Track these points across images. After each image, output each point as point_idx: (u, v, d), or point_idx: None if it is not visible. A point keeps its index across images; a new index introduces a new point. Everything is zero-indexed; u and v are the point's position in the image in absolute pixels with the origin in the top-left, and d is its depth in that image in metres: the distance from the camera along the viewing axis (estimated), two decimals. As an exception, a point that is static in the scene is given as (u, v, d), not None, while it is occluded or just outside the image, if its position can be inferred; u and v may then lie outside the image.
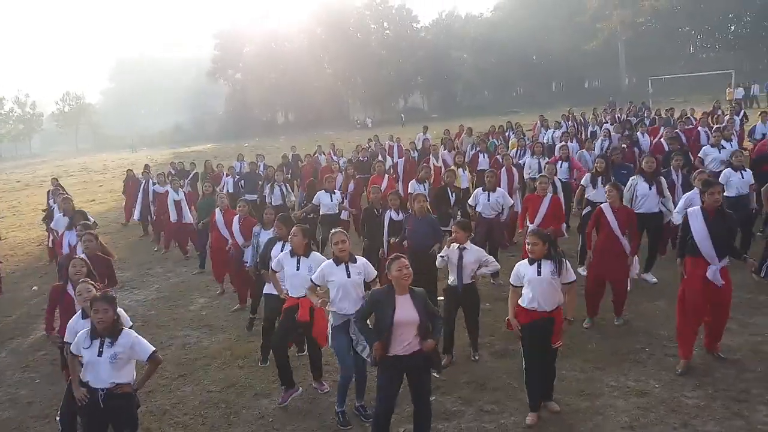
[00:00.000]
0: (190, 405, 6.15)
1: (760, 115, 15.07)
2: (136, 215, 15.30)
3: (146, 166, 17.69)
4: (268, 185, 12.42)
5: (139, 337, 4.59)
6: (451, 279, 6.37)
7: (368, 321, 4.86)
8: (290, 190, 12.79)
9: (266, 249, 6.78)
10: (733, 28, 65.57)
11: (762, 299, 7.40)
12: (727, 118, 15.39)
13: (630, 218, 7.13)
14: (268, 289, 6.70)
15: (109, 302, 4.43)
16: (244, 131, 61.71)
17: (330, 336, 5.53)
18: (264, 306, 6.92)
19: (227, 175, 15.61)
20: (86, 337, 4.45)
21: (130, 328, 4.90)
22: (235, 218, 8.66)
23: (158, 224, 13.86)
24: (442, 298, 7.93)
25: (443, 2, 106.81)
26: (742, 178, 8.70)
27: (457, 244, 6.30)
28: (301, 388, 6.06)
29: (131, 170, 17.73)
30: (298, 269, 5.82)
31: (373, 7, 70.50)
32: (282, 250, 6.21)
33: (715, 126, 13.41)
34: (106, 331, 4.41)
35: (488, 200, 8.93)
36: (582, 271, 8.21)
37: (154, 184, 14.14)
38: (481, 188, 9.20)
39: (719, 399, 5.30)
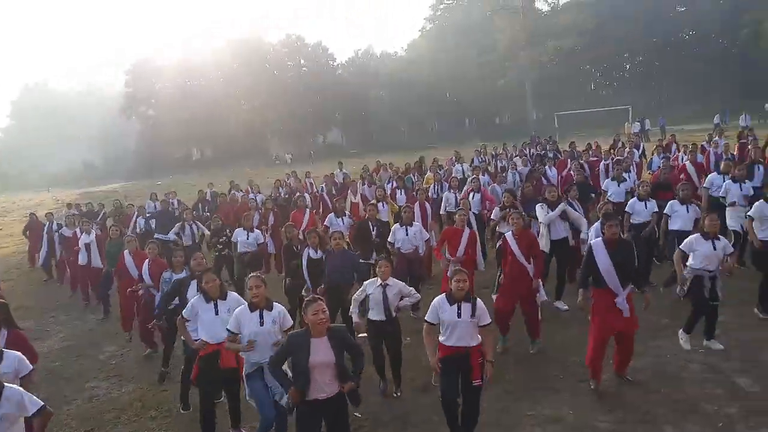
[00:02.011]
0: (97, 463, 5.78)
1: (655, 148, 16.20)
2: (40, 261, 14.49)
3: (49, 213, 16.68)
4: (179, 225, 12.08)
5: (25, 393, 4.19)
6: (374, 316, 6.37)
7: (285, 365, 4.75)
8: (201, 226, 12.43)
9: (170, 293, 6.54)
10: (628, 66, 70.70)
11: (664, 322, 7.83)
12: (627, 150, 16.41)
13: (531, 243, 7.43)
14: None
15: None
16: (158, 169, 59.82)
17: (245, 385, 5.38)
18: (184, 349, 6.65)
19: (138, 215, 15.03)
20: None
21: (29, 373, 4.59)
22: (126, 254, 8.36)
23: (63, 266, 13.11)
24: (364, 334, 7.97)
25: (358, 41, 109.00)
26: (645, 208, 9.27)
27: (380, 281, 6.32)
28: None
29: (34, 214, 16.74)
30: (216, 313, 5.63)
31: (289, 44, 70.81)
32: (197, 292, 5.99)
33: (615, 158, 14.25)
34: None
35: (406, 235, 9.05)
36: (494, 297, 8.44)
37: (60, 227, 13.43)
38: (398, 224, 9.30)
39: (628, 422, 5.54)
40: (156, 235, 12.43)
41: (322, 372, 4.44)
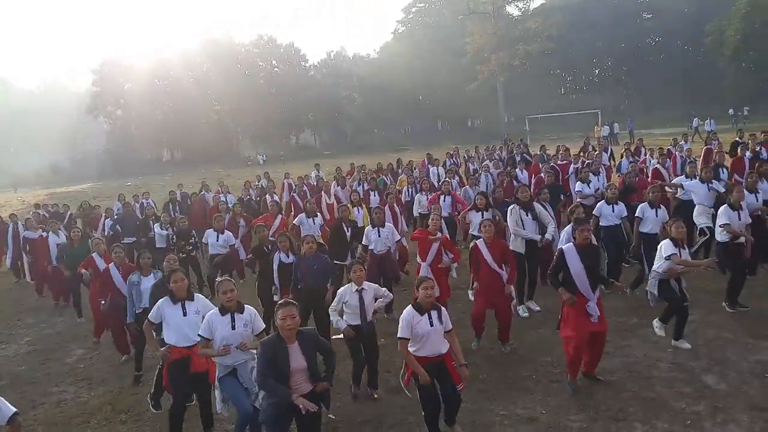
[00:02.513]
0: (65, 469, 5.65)
1: (623, 152, 16.49)
2: (8, 263, 14.18)
3: (12, 215, 16.22)
4: (156, 225, 11.95)
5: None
6: (352, 320, 6.36)
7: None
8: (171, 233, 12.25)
9: (154, 299, 6.39)
10: (597, 71, 72.04)
11: (633, 322, 7.97)
12: (596, 153, 16.68)
13: (504, 251, 7.49)
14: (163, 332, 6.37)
15: None
16: (127, 169, 58.79)
17: (218, 390, 5.32)
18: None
19: (106, 217, 14.76)
20: None
21: None
22: (112, 267, 8.07)
23: (36, 271, 12.79)
24: (339, 336, 7.94)
25: (331, 42, 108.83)
26: (613, 211, 9.42)
27: (356, 287, 6.31)
28: None
29: (-3, 214, 16.32)
30: (185, 314, 5.56)
31: (261, 45, 70.41)
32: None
33: (584, 161, 14.46)
34: None
35: (379, 236, 9.05)
36: (471, 296, 8.50)
37: (24, 229, 13.15)
38: (370, 226, 9.29)
39: (600, 420, 5.61)
40: (124, 240, 12.28)
41: (297, 376, 4.48)
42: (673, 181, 11.06)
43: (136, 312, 7.11)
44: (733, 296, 8.01)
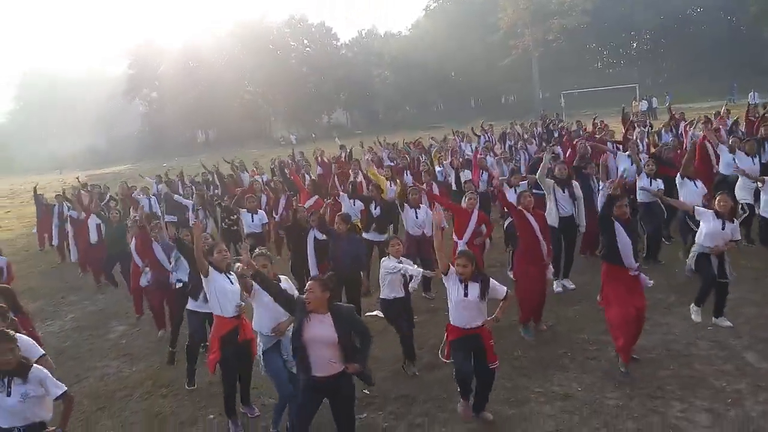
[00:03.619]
0: (110, 440, 5.85)
1: (663, 126, 16.06)
2: (54, 241, 14.62)
3: (58, 195, 16.60)
4: (191, 205, 12.16)
5: (49, 374, 4.31)
6: (390, 294, 6.38)
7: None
8: (209, 214, 12.41)
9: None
10: (635, 44, 69.92)
11: (672, 300, 7.82)
12: (637, 131, 16.26)
13: (545, 221, 7.39)
14: (192, 305, 6.51)
15: (10, 341, 4.16)
16: (162, 151, 59.78)
17: (262, 361, 5.40)
18: (188, 324, 6.71)
19: (144, 196, 15.06)
20: None
21: (42, 357, 4.66)
22: (154, 243, 8.31)
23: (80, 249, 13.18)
24: (373, 313, 8.01)
25: (362, 21, 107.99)
26: (651, 185, 9.21)
27: (395, 260, 6.33)
28: (257, 409, 5.90)
29: (42, 195, 16.71)
30: (232, 283, 5.65)
31: (292, 25, 70.24)
32: None
33: (629, 138, 14.06)
34: (13, 372, 4.13)
35: (416, 217, 8.92)
36: (510, 274, 8.40)
37: (69, 209, 13.52)
38: (407, 205, 9.15)
39: (637, 397, 5.55)
40: (166, 218, 12.50)
41: (320, 348, 4.39)
42: (718, 148, 10.68)
43: (175, 286, 7.45)
44: None
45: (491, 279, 5.36)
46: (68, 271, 13.60)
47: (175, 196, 13.37)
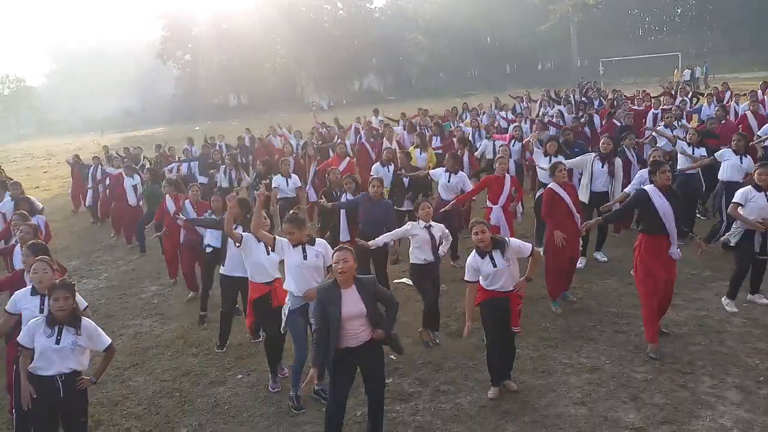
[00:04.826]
0: (143, 395, 6.01)
1: (706, 96, 15.55)
2: (88, 201, 14.92)
3: (99, 155, 16.84)
4: (222, 167, 12.21)
5: (97, 327, 4.51)
6: (420, 257, 6.38)
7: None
8: (243, 173, 12.49)
9: (224, 238, 6.58)
10: (679, 11, 67.37)
11: (706, 275, 7.66)
12: (679, 99, 15.77)
13: (576, 194, 7.30)
14: (225, 270, 6.58)
15: (69, 290, 4.31)
16: (195, 114, 60.29)
17: (286, 319, 5.45)
18: (221, 289, 6.81)
19: (180, 159, 15.27)
20: (42, 326, 4.29)
21: (85, 309, 4.85)
22: (188, 204, 8.42)
23: (107, 207, 13.44)
24: (401, 280, 8.02)
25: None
26: (693, 154, 8.98)
27: (424, 223, 6.32)
28: (286, 369, 6.00)
29: (77, 156, 17.05)
30: (267, 254, 5.67)
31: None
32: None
33: (670, 106, 13.66)
34: (66, 320, 4.29)
35: (448, 181, 8.85)
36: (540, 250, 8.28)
37: (105, 169, 13.79)
38: (443, 168, 9.07)
39: (666, 372, 5.47)
40: (199, 179, 12.64)
41: (354, 322, 4.42)
42: (761, 130, 10.33)
43: (205, 250, 7.57)
44: None
45: (510, 239, 5.34)
46: (102, 231, 13.91)
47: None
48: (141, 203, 11.93)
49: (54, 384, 4.29)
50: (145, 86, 78.78)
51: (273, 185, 10.48)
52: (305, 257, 5.24)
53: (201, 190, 8.72)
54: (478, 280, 5.29)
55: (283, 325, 5.48)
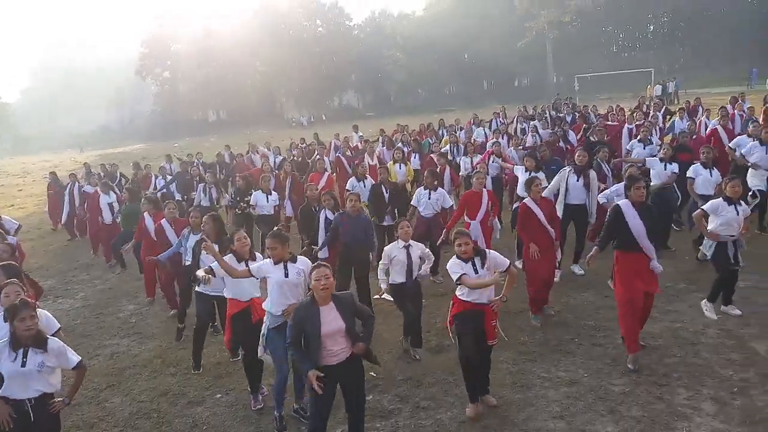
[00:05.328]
0: (119, 417, 5.92)
1: (677, 111, 15.87)
2: (63, 219, 14.71)
3: (76, 172, 16.63)
4: (200, 186, 12.13)
5: (65, 345, 4.41)
6: (399, 278, 6.40)
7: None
8: (222, 191, 12.45)
9: (195, 255, 6.58)
10: (651, 28, 68.86)
11: (681, 287, 7.79)
12: (651, 114, 16.07)
13: (552, 209, 7.38)
14: (201, 287, 6.53)
15: (32, 308, 4.22)
16: (174, 131, 59.94)
17: (265, 338, 5.42)
18: (195, 307, 6.74)
19: (157, 177, 15.14)
20: (6, 350, 4.17)
21: (58, 330, 4.78)
22: (165, 222, 8.33)
23: (89, 229, 13.25)
24: (383, 296, 8.03)
25: (376, 1, 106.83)
26: (665, 170, 9.14)
27: (403, 243, 6.35)
28: (266, 388, 5.96)
29: (54, 173, 16.85)
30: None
31: (305, 5, 69.84)
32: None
33: (641, 122, 13.93)
34: (32, 340, 4.19)
35: (429, 199, 8.92)
36: (519, 264, 8.36)
37: (82, 186, 13.61)
38: (422, 187, 9.15)
39: (643, 384, 5.54)
40: (176, 197, 12.57)
41: (333, 339, 4.41)
42: (731, 143, 10.56)
43: (185, 263, 7.38)
44: None
45: (490, 251, 5.39)
46: (79, 250, 13.73)
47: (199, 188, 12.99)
48: (118, 220, 11.78)
49: (23, 408, 4.19)
50: (125, 103, 78.30)
51: (252, 201, 10.47)
52: (287, 275, 5.23)
53: (178, 208, 8.64)
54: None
55: (261, 349, 5.44)
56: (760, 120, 13.46)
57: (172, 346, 7.54)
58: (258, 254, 5.93)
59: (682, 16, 63.39)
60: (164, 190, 13.65)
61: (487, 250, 5.39)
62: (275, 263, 5.25)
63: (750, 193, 9.18)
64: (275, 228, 5.67)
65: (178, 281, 8.19)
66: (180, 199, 12.74)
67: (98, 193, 12.12)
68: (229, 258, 5.66)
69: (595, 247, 6.25)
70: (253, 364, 5.79)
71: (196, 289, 6.59)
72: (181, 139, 51.66)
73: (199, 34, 64.02)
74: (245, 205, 10.67)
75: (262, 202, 10.37)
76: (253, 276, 5.39)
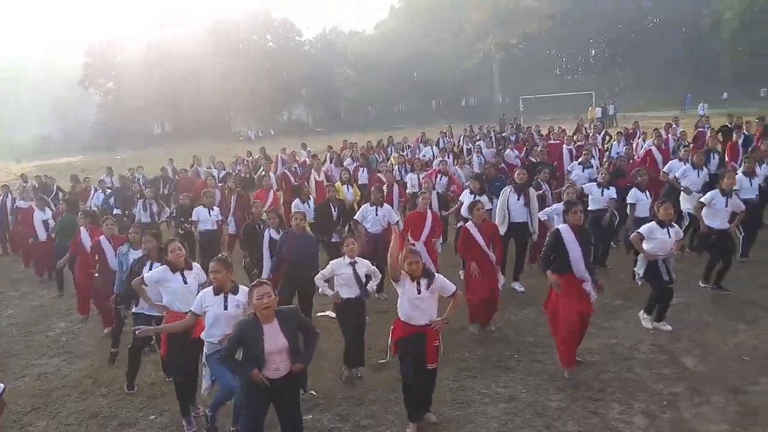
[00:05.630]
0: (44, 441, 5.64)
1: (616, 134, 16.47)
2: None
3: (8, 184, 15.93)
4: (140, 201, 11.78)
5: None
6: (345, 294, 6.34)
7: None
8: (164, 206, 12.10)
9: (132, 273, 6.38)
10: (593, 52, 71.65)
11: (617, 304, 8.01)
12: (590, 135, 16.62)
13: (493, 232, 7.50)
14: (138, 308, 6.32)
15: None
16: (117, 142, 58.37)
17: (206, 364, 5.30)
18: (134, 325, 6.50)
19: (97, 190, 14.65)
20: None
21: None
22: (103, 239, 8.02)
23: (23, 244, 12.65)
24: (325, 313, 7.97)
25: (327, 18, 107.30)
26: (602, 195, 9.41)
27: (349, 259, 6.30)
28: (201, 408, 5.78)
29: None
30: (185, 283, 5.61)
31: (255, 19, 69.40)
32: (151, 270, 5.89)
33: (582, 143, 14.38)
34: None
35: (376, 215, 8.92)
36: (462, 274, 8.39)
37: (19, 199, 13.03)
38: (368, 204, 9.16)
39: (579, 400, 5.65)
40: (115, 211, 12.17)
41: (276, 356, 4.34)
42: (665, 167, 10.99)
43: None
44: (709, 276, 8.14)
45: (438, 275, 5.39)
46: (10, 265, 13.13)
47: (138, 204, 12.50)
48: (53, 235, 11.31)
49: None
50: (65, 112, 75.74)
51: (194, 217, 10.25)
52: (225, 307, 5.14)
53: (117, 224, 8.34)
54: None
55: (204, 386, 5.30)
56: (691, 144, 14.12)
57: (105, 365, 7.25)
58: (195, 264, 5.82)
59: (621, 43, 66.30)
60: (104, 205, 13.21)
61: (436, 274, 5.38)
62: (216, 293, 5.16)
63: (682, 215, 9.58)
64: (221, 254, 5.59)
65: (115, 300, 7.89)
66: (120, 214, 12.35)
67: (33, 208, 11.60)
68: (163, 269, 5.54)
69: (548, 271, 6.24)
70: (186, 384, 5.62)
71: (134, 309, 6.38)
72: (124, 151, 50.32)
73: (144, 45, 62.77)
74: (188, 224, 10.45)
75: (204, 216, 10.16)
76: (197, 315, 5.25)
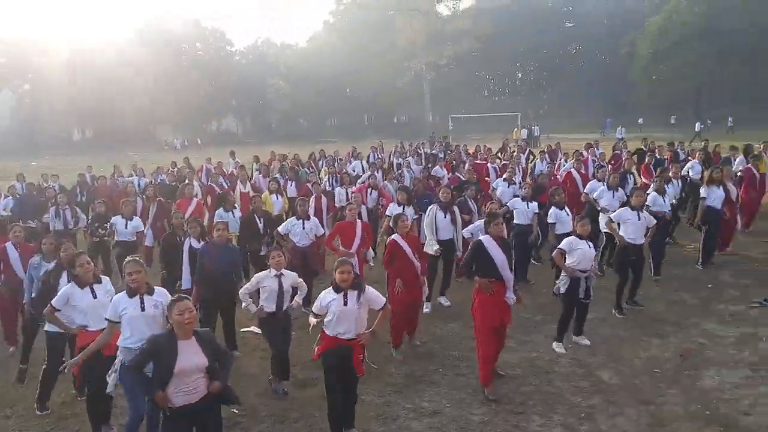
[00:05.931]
0: (-63, 467, 5.22)
1: (539, 153, 17.08)
2: None
3: None
4: (52, 209, 11.18)
5: None
6: (270, 307, 6.22)
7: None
8: (79, 214, 11.50)
9: (44, 286, 6.02)
10: (520, 75, 74.43)
11: (537, 319, 8.24)
12: (514, 154, 17.14)
13: (418, 244, 7.61)
14: (51, 327, 5.94)
15: None
16: (33, 148, 55.34)
17: (118, 374, 5.03)
18: (46, 347, 6.10)
19: (6, 196, 13.80)
20: None
21: None
22: (9, 245, 7.55)
23: None
24: (249, 329, 7.78)
25: (259, 30, 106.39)
26: (528, 208, 9.70)
27: (275, 271, 6.19)
28: (115, 429, 5.49)
29: None
30: (95, 297, 5.36)
31: (185, 27, 67.86)
32: (69, 282, 5.56)
33: (506, 162, 14.80)
34: None
35: (303, 228, 8.84)
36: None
37: None
38: (295, 217, 9.09)
39: (501, 413, 5.75)
40: (28, 222, 11.48)
41: (191, 376, 4.16)
42: (586, 188, 11.43)
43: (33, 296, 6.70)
44: (620, 302, 8.41)
45: (368, 287, 5.37)
46: None
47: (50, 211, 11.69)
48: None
49: None
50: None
51: (110, 227, 9.85)
52: (143, 308, 4.94)
53: (25, 232, 7.86)
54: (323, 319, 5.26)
55: (111, 385, 5.04)
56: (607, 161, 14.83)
57: (9, 385, 6.78)
58: (104, 278, 5.57)
59: (546, 67, 69.35)
60: (10, 213, 12.43)
61: (366, 286, 5.36)
62: (131, 295, 4.95)
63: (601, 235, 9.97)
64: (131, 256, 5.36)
65: (21, 312, 7.44)
66: (31, 222, 11.68)
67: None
68: (69, 286, 5.31)
69: (475, 277, 6.32)
70: (98, 402, 5.35)
71: (46, 328, 6.00)
72: (41, 157, 47.75)
73: (66, 46, 60.03)
74: (103, 232, 10.01)
75: (122, 227, 9.76)
76: (114, 322, 5.01)
